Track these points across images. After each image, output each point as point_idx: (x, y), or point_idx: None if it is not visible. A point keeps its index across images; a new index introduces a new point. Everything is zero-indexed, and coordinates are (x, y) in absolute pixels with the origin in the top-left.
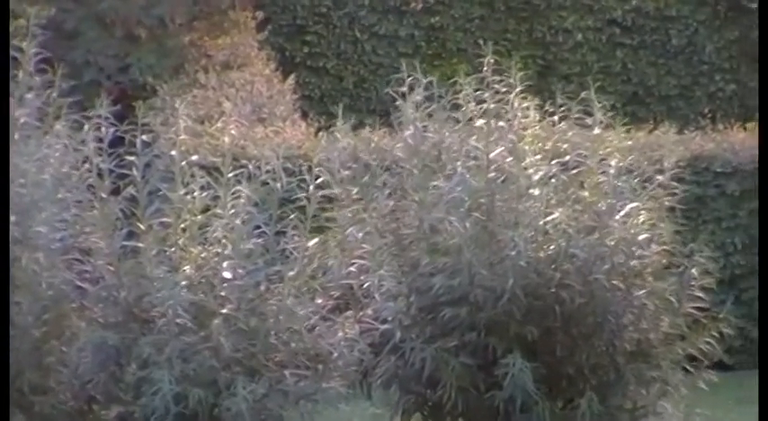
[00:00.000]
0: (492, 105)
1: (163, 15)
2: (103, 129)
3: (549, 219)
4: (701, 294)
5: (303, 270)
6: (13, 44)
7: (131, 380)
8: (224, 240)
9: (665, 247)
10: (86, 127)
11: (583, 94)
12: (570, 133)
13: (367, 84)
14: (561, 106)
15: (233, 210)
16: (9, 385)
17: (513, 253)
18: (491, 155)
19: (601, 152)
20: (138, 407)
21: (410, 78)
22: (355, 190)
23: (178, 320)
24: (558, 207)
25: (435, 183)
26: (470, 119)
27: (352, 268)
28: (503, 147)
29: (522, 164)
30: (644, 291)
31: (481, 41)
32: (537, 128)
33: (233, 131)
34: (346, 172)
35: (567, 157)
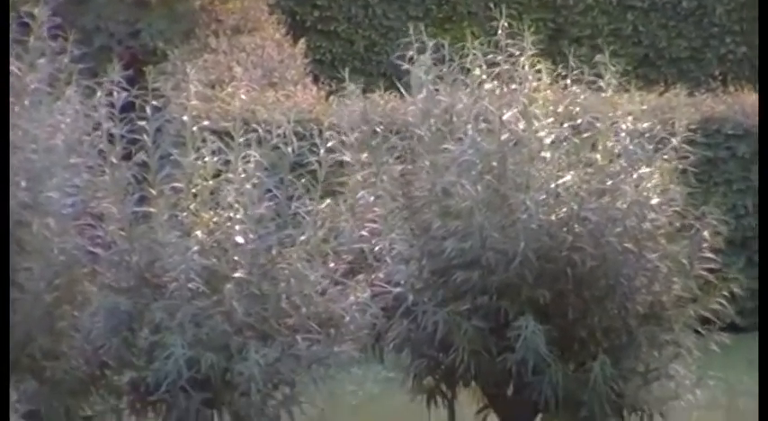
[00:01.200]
0: (504, 68)
1: None
2: (115, 94)
3: (560, 182)
4: (712, 256)
5: (314, 234)
6: (25, 11)
7: (144, 344)
8: (235, 205)
9: (676, 210)
10: (98, 92)
11: (596, 58)
12: (582, 96)
13: (378, 47)
14: (573, 69)
15: (244, 175)
16: (9, 386)
17: (525, 216)
18: (503, 118)
19: (612, 115)
20: (151, 371)
21: (419, 43)
22: (365, 154)
23: (190, 285)
24: (570, 170)
25: (447, 146)
26: (481, 82)
27: (363, 232)
28: (514, 110)
29: (534, 127)
30: (656, 253)
31: (492, 5)
32: (548, 91)
33: (243, 96)
34: (356, 135)
35: (579, 120)
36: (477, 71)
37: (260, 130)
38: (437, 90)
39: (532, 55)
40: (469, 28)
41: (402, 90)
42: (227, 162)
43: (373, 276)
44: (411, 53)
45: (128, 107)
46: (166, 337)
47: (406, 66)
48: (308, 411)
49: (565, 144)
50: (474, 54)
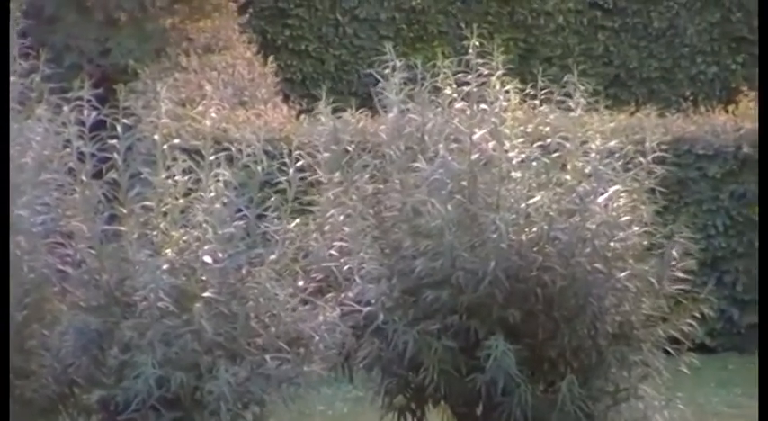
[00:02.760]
0: (474, 88)
1: None
2: (85, 112)
3: (530, 201)
4: (682, 276)
5: (284, 253)
6: None
7: (113, 363)
8: (205, 224)
9: (646, 229)
10: (67, 110)
11: (565, 78)
12: (552, 116)
13: (348, 66)
14: (543, 89)
15: (214, 194)
16: (9, 384)
17: (495, 235)
18: (473, 137)
19: (582, 135)
20: (120, 390)
21: (391, 62)
22: (336, 173)
23: (160, 304)
24: (540, 190)
25: (417, 164)
26: (452, 101)
27: (333, 251)
28: (485, 130)
29: (504, 147)
30: (625, 273)
31: (463, 24)
32: (518, 111)
33: (214, 114)
34: (327, 154)
35: (549, 140)
36: (448, 90)
37: (232, 149)
38: (408, 109)
39: (503, 75)
40: (440, 47)
41: (374, 109)
42: (198, 180)
43: (343, 295)
44: (384, 71)
45: (98, 125)
46: (136, 356)
47: (378, 84)
48: None
49: (535, 164)
50: (445, 73)
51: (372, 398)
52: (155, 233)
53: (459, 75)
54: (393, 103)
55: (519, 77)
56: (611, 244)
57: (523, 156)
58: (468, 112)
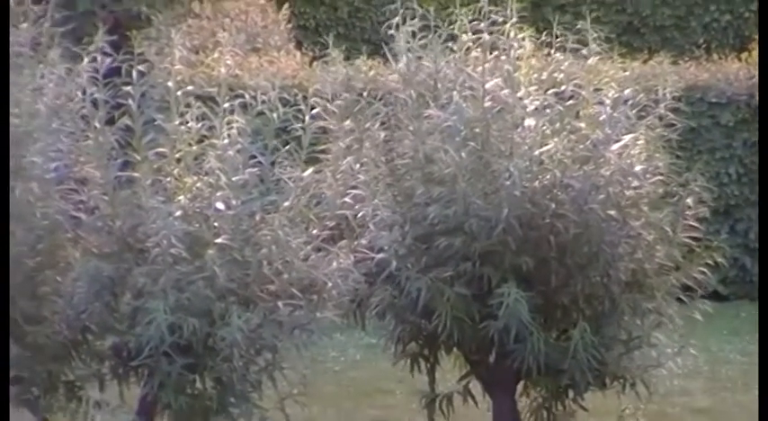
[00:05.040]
0: (488, 36)
1: None
2: (99, 58)
3: (544, 149)
4: (695, 224)
5: (298, 200)
6: None
7: (126, 310)
8: (218, 171)
9: (660, 178)
10: (82, 58)
11: (578, 25)
12: (565, 64)
13: (361, 13)
14: (557, 37)
15: (228, 141)
16: (9, 386)
17: (508, 183)
18: (487, 85)
19: (596, 82)
20: (133, 336)
21: (404, 8)
22: (348, 121)
23: (172, 250)
24: (554, 137)
25: (430, 111)
26: (467, 49)
27: (346, 198)
28: (498, 78)
29: (518, 94)
30: (639, 221)
31: None
32: (532, 58)
33: (228, 61)
34: (339, 102)
35: (563, 88)
36: (465, 37)
37: (247, 96)
38: (421, 57)
39: (516, 22)
40: None
41: (387, 56)
42: (212, 127)
43: (356, 242)
44: (396, 20)
45: (112, 72)
46: (149, 302)
47: (393, 31)
48: (290, 377)
49: (548, 111)
50: (461, 19)
51: (385, 344)
52: (168, 179)
53: (473, 22)
54: (405, 50)
55: (532, 25)
56: (625, 192)
57: (537, 103)
58: (482, 60)
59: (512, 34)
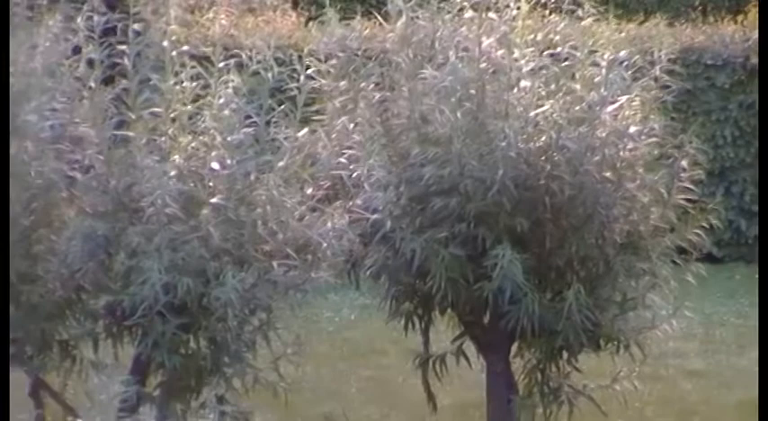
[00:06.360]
0: None
1: None
2: (95, 17)
3: (539, 110)
4: (690, 186)
5: (293, 160)
6: None
7: (120, 269)
8: (213, 130)
9: (655, 139)
10: (77, 17)
11: None
12: (561, 25)
13: None
14: None
15: (223, 100)
16: (8, 386)
17: (504, 144)
18: (482, 46)
19: (591, 44)
20: (127, 296)
21: None
22: (343, 81)
23: (167, 210)
24: (549, 99)
25: (426, 72)
26: (461, 9)
27: (341, 158)
28: (493, 38)
29: (513, 55)
30: (634, 183)
31: None
32: (528, 19)
33: (223, 21)
34: (334, 62)
35: (558, 49)
36: None
37: (243, 56)
38: (416, 17)
39: None
40: None
41: (382, 16)
42: (207, 87)
43: (351, 203)
44: None
45: (107, 31)
46: (143, 262)
47: None
48: (284, 337)
49: (544, 73)
50: None
51: (379, 305)
52: (163, 139)
53: None
54: (401, 10)
55: None
56: (620, 153)
57: (532, 64)
58: (477, 20)
59: None
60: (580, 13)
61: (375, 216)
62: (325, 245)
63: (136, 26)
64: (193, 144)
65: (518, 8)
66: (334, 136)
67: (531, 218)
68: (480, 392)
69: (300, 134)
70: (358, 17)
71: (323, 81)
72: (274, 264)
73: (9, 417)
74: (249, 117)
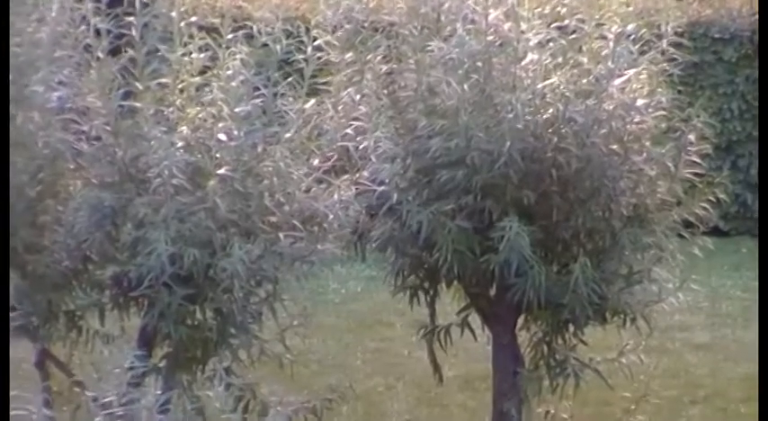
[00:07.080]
0: None
1: None
2: None
3: (546, 82)
4: (697, 160)
5: (299, 132)
6: None
7: (127, 239)
8: (221, 102)
9: (662, 113)
10: None
11: None
12: None
13: None
14: None
15: (231, 72)
16: (8, 385)
17: (511, 116)
18: (489, 18)
19: (599, 17)
20: (134, 266)
21: None
22: (350, 53)
23: (174, 181)
24: (556, 71)
25: (433, 44)
26: None
27: (348, 130)
28: (501, 11)
29: (521, 27)
30: (641, 156)
31: None
32: None
33: None
34: (340, 34)
35: (566, 22)
36: None
37: (254, 27)
38: None
39: None
40: None
41: None
42: (215, 59)
43: (357, 175)
44: None
45: (115, 2)
46: (150, 233)
47: None
48: (290, 308)
49: (551, 45)
50: None
51: (385, 277)
52: (170, 110)
53: None
54: None
55: None
56: (628, 126)
57: (540, 37)
58: None
59: None
60: None
61: (382, 188)
62: (331, 216)
63: None
64: (201, 115)
65: None
66: (340, 108)
67: (537, 190)
68: (486, 365)
69: (307, 106)
70: None
71: (330, 53)
72: (281, 235)
73: (8, 416)
74: (257, 89)
